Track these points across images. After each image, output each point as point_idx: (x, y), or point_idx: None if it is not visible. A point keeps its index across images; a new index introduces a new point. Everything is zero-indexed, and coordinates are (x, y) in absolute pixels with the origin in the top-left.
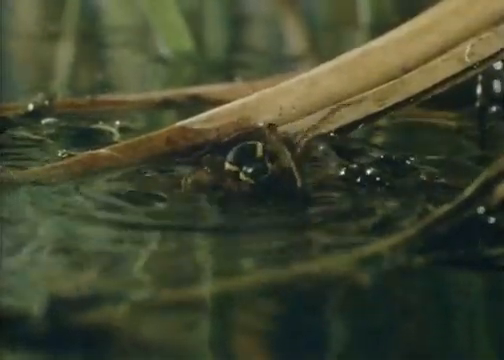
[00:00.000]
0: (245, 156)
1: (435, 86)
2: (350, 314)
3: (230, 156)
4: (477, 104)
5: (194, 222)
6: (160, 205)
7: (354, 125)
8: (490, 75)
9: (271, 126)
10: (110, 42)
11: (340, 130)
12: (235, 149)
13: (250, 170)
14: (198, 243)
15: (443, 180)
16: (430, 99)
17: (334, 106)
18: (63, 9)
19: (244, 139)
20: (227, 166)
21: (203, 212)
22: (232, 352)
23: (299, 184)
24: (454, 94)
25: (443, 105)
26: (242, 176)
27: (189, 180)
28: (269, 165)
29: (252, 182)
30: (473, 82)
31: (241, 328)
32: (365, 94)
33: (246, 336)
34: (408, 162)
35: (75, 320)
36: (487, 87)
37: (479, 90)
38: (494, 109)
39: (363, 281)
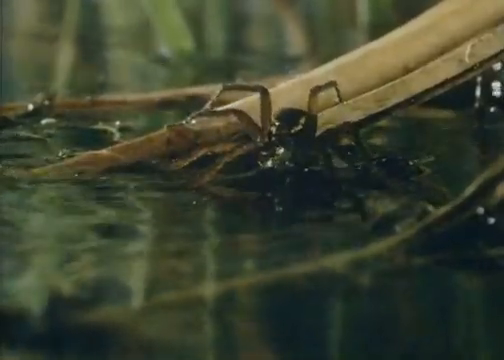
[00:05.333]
0: (287, 116)
1: (435, 87)
2: (350, 314)
3: (276, 112)
4: (476, 105)
5: None
6: None
7: (355, 126)
8: (489, 76)
9: (313, 91)
10: (110, 42)
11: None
12: (281, 112)
13: (287, 124)
14: (198, 243)
15: (443, 180)
16: (430, 100)
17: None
18: (63, 9)
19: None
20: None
21: None
22: (232, 353)
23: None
24: (453, 95)
25: (442, 106)
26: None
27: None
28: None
29: (285, 133)
30: (472, 83)
31: (241, 328)
32: (365, 95)
33: (246, 337)
34: (408, 163)
35: (75, 320)
36: (486, 88)
37: (478, 91)
38: (493, 110)
39: (363, 282)
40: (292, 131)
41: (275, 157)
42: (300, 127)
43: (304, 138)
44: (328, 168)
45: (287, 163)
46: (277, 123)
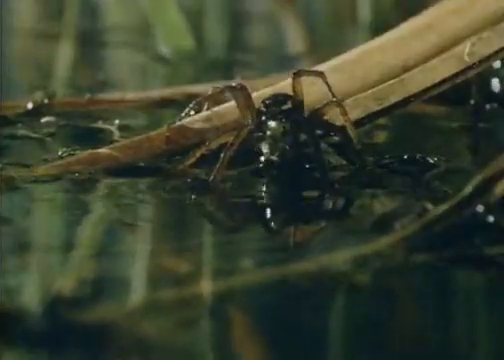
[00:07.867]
0: (275, 98)
1: (435, 85)
2: (349, 313)
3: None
4: (472, 102)
5: None
6: None
7: (354, 124)
8: (486, 73)
9: (296, 75)
10: (110, 41)
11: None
12: (269, 96)
13: (276, 103)
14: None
15: (442, 178)
16: (428, 98)
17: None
18: (63, 8)
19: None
20: (257, 105)
21: None
22: (231, 352)
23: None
24: (451, 91)
25: (439, 102)
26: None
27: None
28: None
29: (276, 109)
30: (471, 80)
31: (240, 327)
32: (365, 93)
33: (245, 335)
34: (407, 161)
35: (75, 319)
36: (482, 85)
37: (474, 88)
38: (490, 107)
39: (363, 280)
40: (282, 108)
41: (267, 133)
42: (289, 106)
43: (294, 115)
44: (318, 157)
45: (280, 144)
46: (267, 102)
